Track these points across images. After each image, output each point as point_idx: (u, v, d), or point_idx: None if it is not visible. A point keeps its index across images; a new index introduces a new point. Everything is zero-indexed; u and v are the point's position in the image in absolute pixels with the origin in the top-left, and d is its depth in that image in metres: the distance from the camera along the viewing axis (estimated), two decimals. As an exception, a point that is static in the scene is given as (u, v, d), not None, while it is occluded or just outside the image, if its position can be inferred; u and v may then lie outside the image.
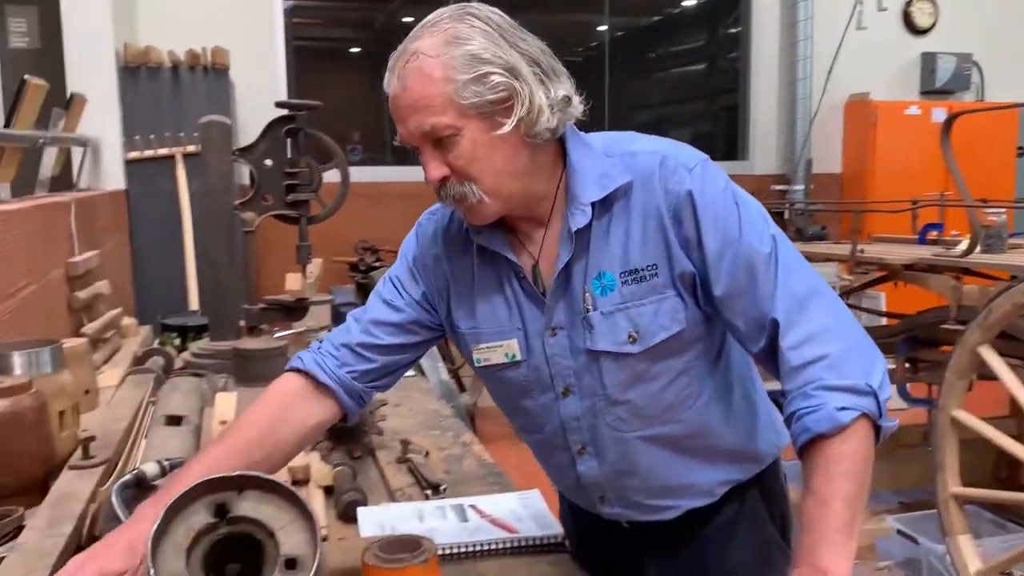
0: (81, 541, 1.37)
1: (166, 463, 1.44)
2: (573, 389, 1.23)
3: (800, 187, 5.65)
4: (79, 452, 1.61)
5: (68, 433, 1.73)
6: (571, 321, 1.21)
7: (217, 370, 2.50)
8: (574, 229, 1.17)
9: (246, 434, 1.21)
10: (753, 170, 5.96)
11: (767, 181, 5.77)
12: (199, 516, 0.95)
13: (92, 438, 1.58)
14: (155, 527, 0.91)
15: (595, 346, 1.19)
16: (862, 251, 3.29)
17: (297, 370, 1.31)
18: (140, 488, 1.41)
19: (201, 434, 1.89)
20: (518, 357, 1.26)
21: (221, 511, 0.96)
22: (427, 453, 1.95)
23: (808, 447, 1.07)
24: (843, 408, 1.04)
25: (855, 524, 1.03)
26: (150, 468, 1.42)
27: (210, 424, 1.94)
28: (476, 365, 1.32)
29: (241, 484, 0.98)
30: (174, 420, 1.82)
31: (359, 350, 1.32)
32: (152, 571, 0.88)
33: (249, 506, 0.97)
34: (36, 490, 1.59)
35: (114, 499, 1.37)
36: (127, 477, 1.40)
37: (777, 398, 1.22)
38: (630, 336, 1.18)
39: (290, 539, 0.96)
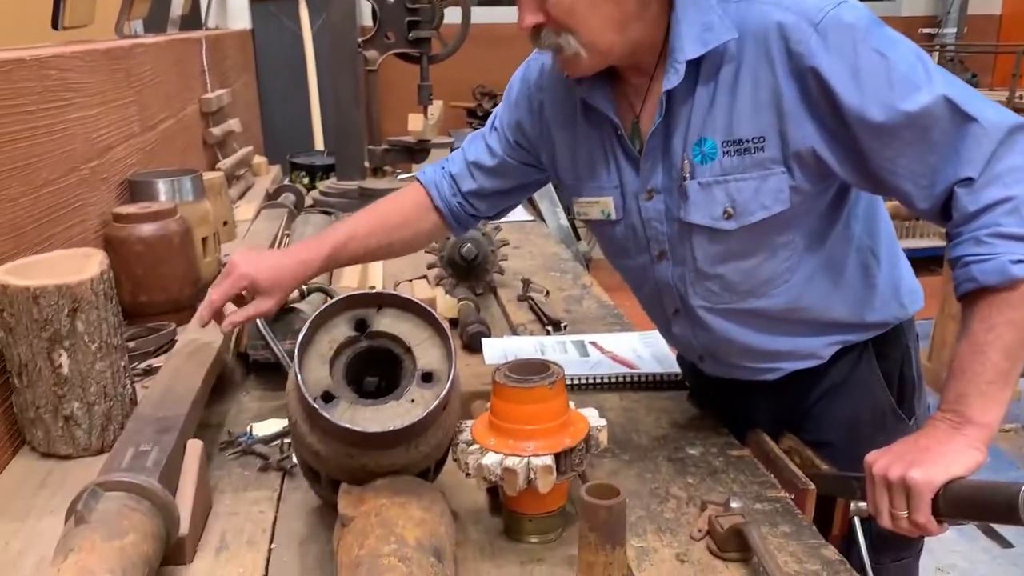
0: (228, 357, 1.48)
1: (304, 287, 1.51)
2: (668, 255, 1.20)
3: (951, 30, 5.18)
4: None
5: (211, 259, 1.83)
6: (668, 186, 1.14)
7: (344, 208, 2.57)
8: (665, 89, 1.07)
9: (380, 220, 1.36)
10: (900, 11, 5.49)
11: (915, 24, 5.32)
12: (341, 329, 1.00)
13: (234, 262, 1.66)
14: (301, 337, 0.96)
15: (688, 218, 1.13)
16: (1021, 97, 3.02)
17: (418, 179, 1.41)
18: (281, 309, 1.50)
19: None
20: (613, 216, 1.21)
21: (361, 326, 1.00)
22: (547, 292, 1.98)
23: (971, 295, 0.99)
24: (1019, 261, 0.95)
25: (1011, 378, 0.95)
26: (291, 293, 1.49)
27: (340, 256, 2.01)
28: (577, 217, 1.31)
29: (379, 302, 1.01)
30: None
31: (465, 192, 1.37)
32: (299, 377, 0.93)
33: (387, 322, 1.01)
34: (185, 309, 1.70)
35: (258, 321, 1.45)
36: (268, 298, 1.48)
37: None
38: (726, 212, 1.10)
39: (426, 355, 0.99)
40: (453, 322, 1.76)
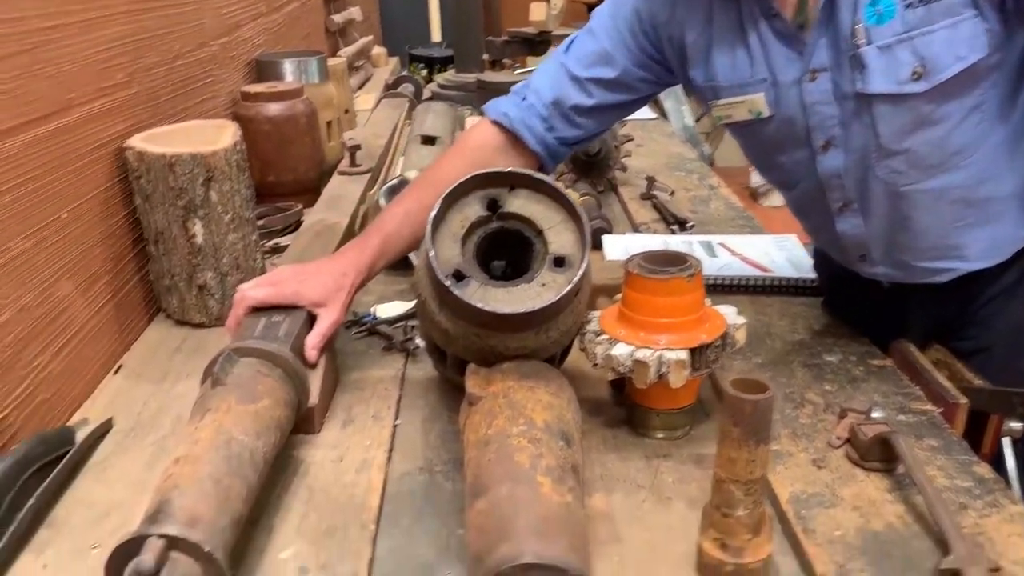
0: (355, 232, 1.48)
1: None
2: (836, 142, 1.08)
3: None
4: (346, 160, 1.70)
5: (335, 143, 1.83)
6: (836, 61, 1.04)
7: (462, 101, 2.53)
8: None
9: (435, 189, 1.01)
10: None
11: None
12: (473, 208, 0.97)
13: (358, 147, 1.65)
14: (434, 214, 0.93)
15: (868, 88, 1.02)
16: None
17: (497, 122, 1.22)
18: (404, 193, 1.48)
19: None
20: (764, 113, 1.10)
21: (493, 205, 0.97)
22: (672, 192, 1.90)
23: None
24: None
25: None
26: (412, 175, 1.47)
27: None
28: (718, 123, 1.20)
29: (512, 181, 0.97)
30: (429, 140, 1.87)
31: (571, 113, 1.21)
32: (431, 254, 0.91)
33: (520, 204, 0.97)
34: (310, 191, 1.71)
35: (381, 201, 1.44)
36: (393, 181, 1.46)
37: None
38: (915, 72, 0.99)
39: (559, 238, 0.95)
40: (575, 216, 1.71)
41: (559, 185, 0.96)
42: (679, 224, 1.70)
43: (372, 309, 1.34)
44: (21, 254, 0.95)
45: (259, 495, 0.84)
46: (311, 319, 1.09)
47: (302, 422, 1.01)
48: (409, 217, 1.14)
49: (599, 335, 1.00)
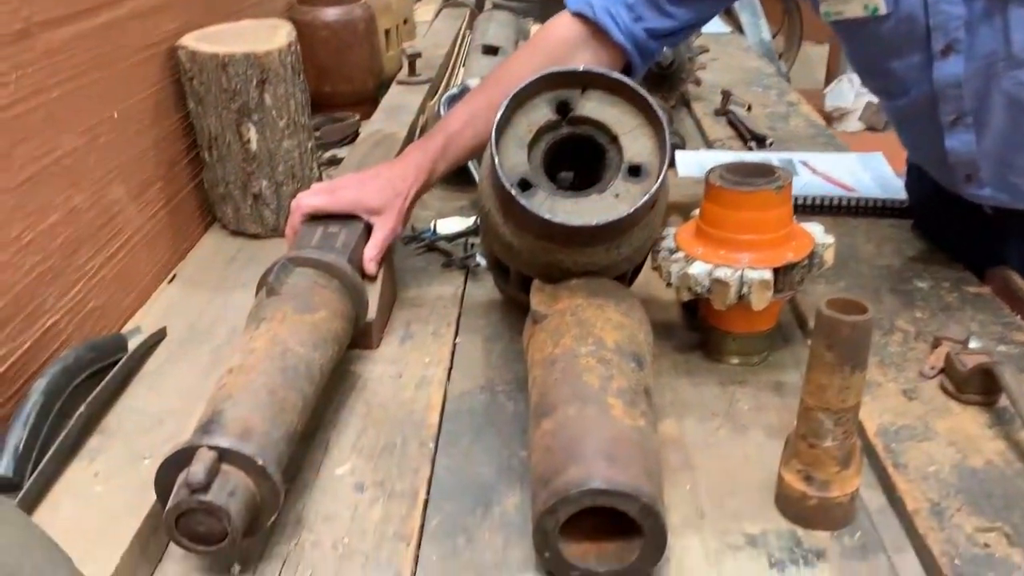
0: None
1: (490, 81, 1.41)
2: (958, 46, 0.97)
3: None
4: (405, 69, 1.63)
5: (393, 53, 1.76)
6: None
7: (524, 12, 2.41)
8: None
9: (504, 89, 0.91)
10: None
11: None
12: (541, 111, 0.89)
13: (418, 55, 1.57)
14: (498, 117, 0.86)
15: None
16: None
17: (579, 14, 1.12)
18: (465, 103, 1.41)
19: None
20: (881, 10, 0.99)
21: (563, 108, 0.90)
22: (749, 107, 1.79)
23: None
24: None
25: None
26: (473, 83, 1.39)
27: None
28: (825, 20, 1.08)
29: (585, 82, 0.89)
30: (490, 50, 1.78)
31: (663, 3, 1.11)
32: (496, 159, 0.85)
33: (592, 107, 0.89)
34: (368, 102, 1.65)
35: (441, 110, 1.38)
36: (453, 90, 1.39)
37: None
38: None
39: (635, 145, 0.88)
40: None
41: (636, 84, 0.88)
42: (757, 141, 1.60)
43: (431, 224, 1.28)
44: (71, 152, 0.91)
45: (315, 409, 0.81)
46: (369, 231, 1.05)
47: (360, 337, 0.97)
48: (475, 119, 1.06)
49: (674, 252, 0.94)
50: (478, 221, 1.27)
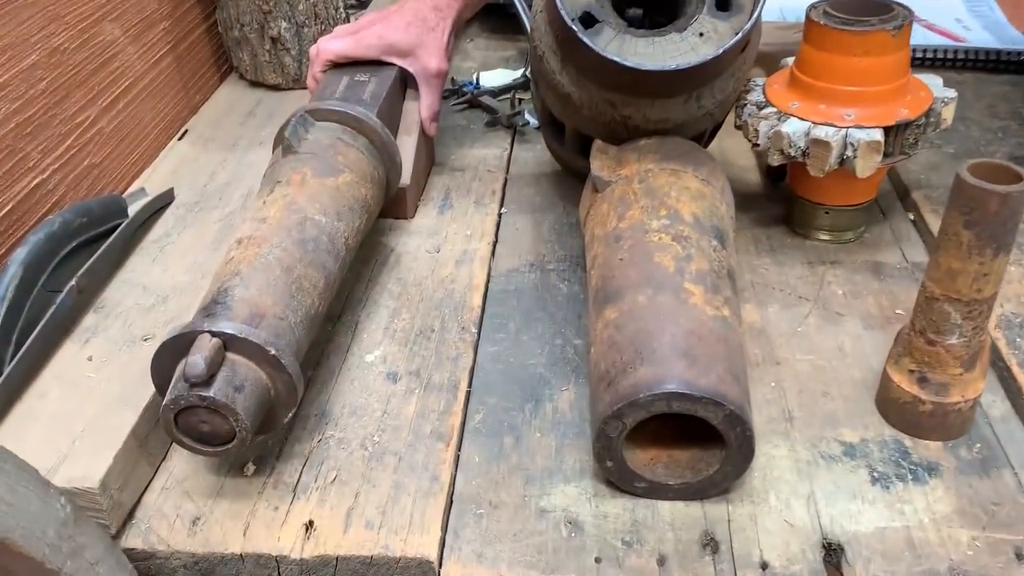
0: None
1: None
2: None
3: None
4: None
5: None
6: None
7: None
8: None
9: None
10: None
11: None
12: (610, -69, 0.74)
13: None
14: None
15: None
16: None
17: None
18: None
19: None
20: None
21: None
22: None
23: None
24: None
25: None
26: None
27: None
28: None
29: None
30: None
31: None
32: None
33: (673, -75, 0.73)
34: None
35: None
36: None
37: None
38: None
39: (724, -27, 0.72)
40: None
41: None
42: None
43: (474, 76, 1.14)
44: None
45: (339, 287, 0.70)
46: (403, 79, 0.91)
47: (392, 205, 0.85)
48: None
49: (764, 107, 0.79)
50: (527, 73, 1.12)
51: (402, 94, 0.93)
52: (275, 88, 1.08)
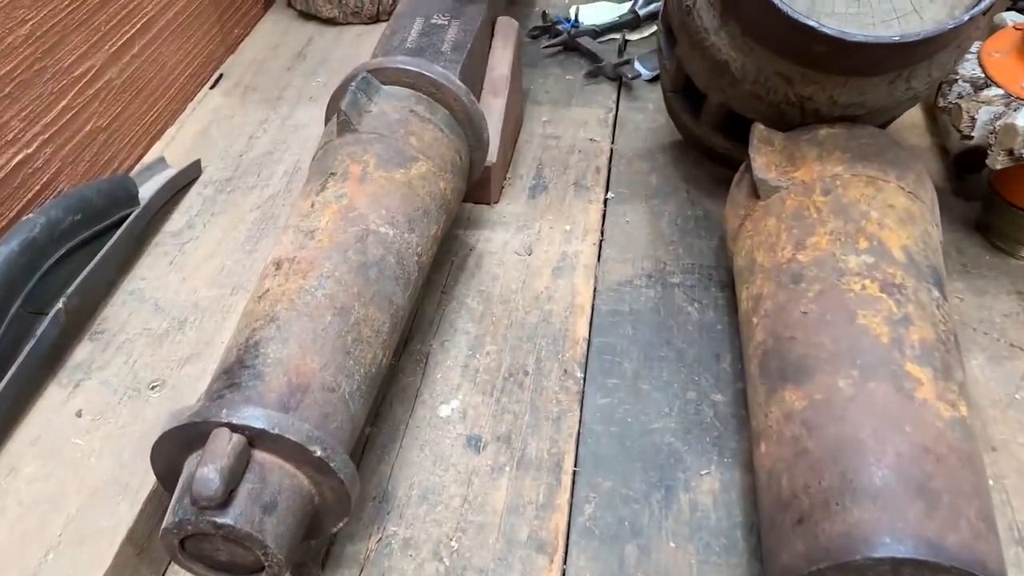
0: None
1: None
2: None
3: None
4: None
5: None
6: None
7: None
8: None
9: None
10: None
11: None
12: None
13: None
14: None
15: None
16: None
17: None
18: None
19: None
20: None
21: None
22: None
23: None
24: None
25: None
26: None
27: None
28: None
29: None
30: None
31: None
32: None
33: None
34: None
35: None
36: None
37: None
38: None
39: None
40: None
41: None
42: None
43: (571, 11, 0.93)
44: None
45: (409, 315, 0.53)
46: (491, 18, 0.71)
47: (473, 187, 0.66)
48: None
49: (982, 86, 0.58)
50: (637, 8, 0.91)
51: (489, 38, 0.74)
52: (330, 22, 0.88)
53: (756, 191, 0.54)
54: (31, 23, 0.56)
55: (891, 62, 0.51)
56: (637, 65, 0.85)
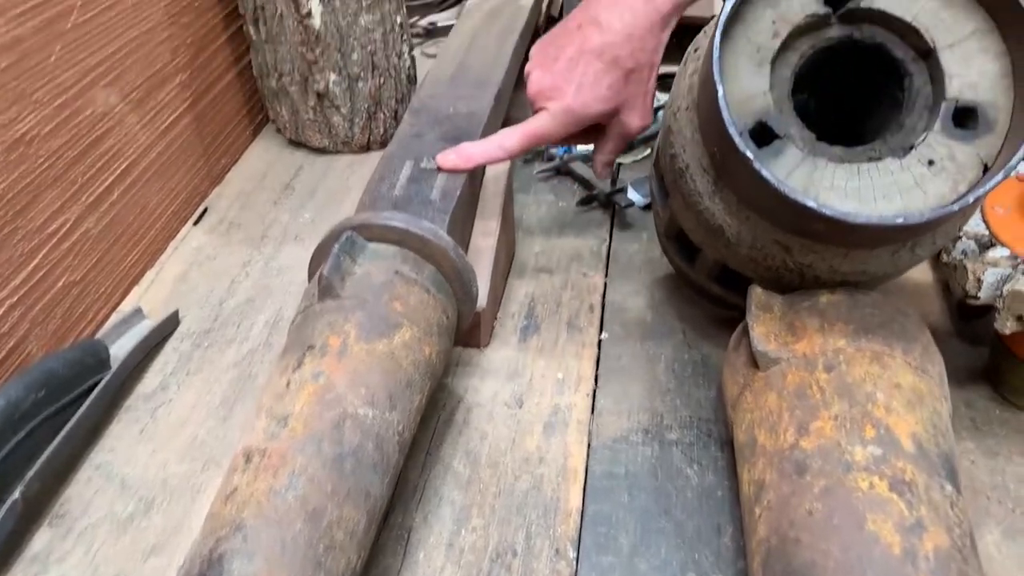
0: (540, 21, 1.02)
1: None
2: None
3: None
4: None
5: None
6: None
7: None
8: None
9: None
10: None
11: None
12: (796, 0, 0.51)
13: None
14: (723, 16, 0.48)
15: None
16: None
17: None
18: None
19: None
20: None
21: (837, -6, 0.51)
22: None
23: None
24: None
25: None
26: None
27: None
28: None
29: (882, -54, 0.50)
30: None
31: None
32: (717, 82, 0.47)
33: (891, -6, 0.51)
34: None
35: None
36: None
37: None
38: None
39: (967, 68, 0.49)
40: None
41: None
42: None
43: (564, 134, 0.92)
44: (10, 44, 0.56)
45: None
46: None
47: (462, 332, 0.64)
48: None
49: (987, 245, 0.56)
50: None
51: (480, 177, 0.72)
52: (320, 151, 0.87)
53: (758, 363, 0.52)
54: (1, 186, 0.54)
55: (893, 238, 0.49)
56: (631, 193, 0.83)
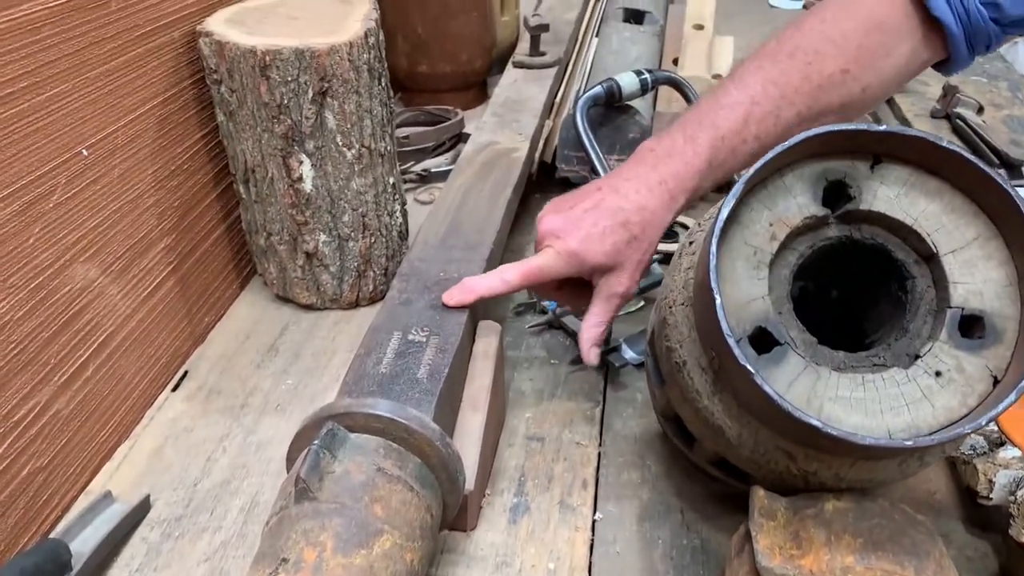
0: (533, 171, 1.02)
1: (647, 75, 1.00)
2: None
3: None
4: (525, 44, 1.22)
5: (509, 17, 1.35)
6: None
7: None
8: None
9: (822, 61, 0.64)
10: None
11: None
12: (796, 200, 0.50)
13: (545, 27, 1.17)
14: (724, 211, 0.47)
15: None
16: None
17: None
18: (611, 108, 1.01)
19: (665, 40, 1.43)
20: None
21: (835, 194, 0.50)
22: (981, 108, 1.33)
23: None
24: None
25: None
26: (626, 81, 0.99)
27: (681, 28, 1.45)
28: None
29: (879, 148, 0.49)
30: (634, 16, 1.36)
31: None
32: (718, 299, 0.46)
33: (891, 196, 0.49)
34: (474, 86, 1.26)
35: (577, 119, 0.98)
36: (596, 89, 0.99)
37: None
38: None
39: (972, 275, 0.48)
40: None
41: (989, 168, 0.47)
42: (1006, 167, 1.15)
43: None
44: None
45: None
46: (472, 326, 0.69)
47: (448, 519, 0.61)
48: (758, 105, 0.63)
49: (997, 444, 0.54)
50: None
51: (470, 347, 0.70)
52: (307, 308, 0.85)
53: (758, 572, 0.49)
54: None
55: (901, 452, 0.47)
56: (624, 351, 0.81)
